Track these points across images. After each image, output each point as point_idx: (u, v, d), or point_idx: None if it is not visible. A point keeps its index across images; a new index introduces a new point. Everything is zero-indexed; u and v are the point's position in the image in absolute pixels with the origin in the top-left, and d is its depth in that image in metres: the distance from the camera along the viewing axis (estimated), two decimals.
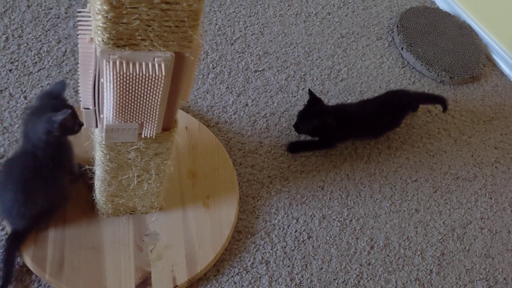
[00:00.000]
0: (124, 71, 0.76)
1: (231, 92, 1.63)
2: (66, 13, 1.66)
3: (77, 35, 0.80)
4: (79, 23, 0.80)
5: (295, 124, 1.52)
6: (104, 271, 1.17)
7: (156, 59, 0.78)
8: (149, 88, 0.81)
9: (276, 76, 1.72)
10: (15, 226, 1.14)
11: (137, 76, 0.78)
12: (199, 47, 0.82)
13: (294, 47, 1.83)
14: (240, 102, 1.62)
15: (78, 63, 1.52)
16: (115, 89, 0.79)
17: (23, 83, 1.45)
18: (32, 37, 1.56)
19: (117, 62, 0.76)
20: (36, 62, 1.51)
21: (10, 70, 1.47)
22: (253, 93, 1.66)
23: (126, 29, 0.72)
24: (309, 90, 1.51)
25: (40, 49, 1.54)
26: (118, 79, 0.77)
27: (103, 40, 0.73)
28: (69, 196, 1.21)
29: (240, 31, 1.82)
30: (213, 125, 1.55)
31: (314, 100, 1.50)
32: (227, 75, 1.67)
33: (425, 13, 2.09)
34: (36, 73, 1.48)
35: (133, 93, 0.81)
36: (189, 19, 0.73)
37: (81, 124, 1.08)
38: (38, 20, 1.61)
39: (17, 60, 1.50)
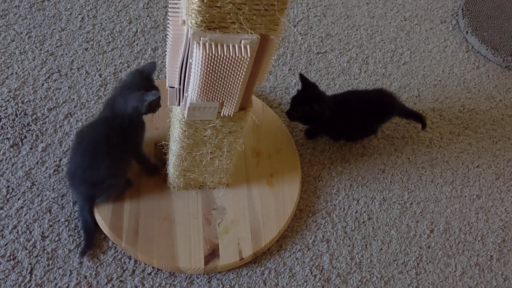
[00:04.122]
0: (213, 52, 0.80)
1: (293, 74, 1.66)
2: None
3: (168, 17, 0.85)
4: (170, 5, 0.85)
5: (287, 111, 1.43)
6: (175, 242, 1.24)
7: (243, 41, 0.81)
8: (233, 69, 0.85)
9: (338, 59, 1.73)
10: (77, 191, 1.21)
11: (224, 57, 0.82)
12: (282, 30, 0.85)
13: (357, 30, 1.83)
14: None
15: (147, 43, 1.59)
16: (202, 69, 0.83)
17: (98, 62, 1.53)
18: (106, 18, 1.63)
19: (207, 44, 0.80)
20: (109, 42, 1.58)
21: (86, 49, 1.55)
22: (315, 75, 1.68)
23: (219, 12, 0.76)
24: (300, 74, 1.41)
25: (113, 29, 1.61)
26: (207, 59, 0.81)
27: (196, 23, 0.77)
28: (131, 181, 1.27)
29: (303, 13, 1.83)
30: (276, 106, 1.58)
31: (306, 86, 1.40)
32: (289, 57, 1.70)
33: None
34: (109, 52, 1.56)
35: (218, 73, 0.85)
36: (278, 2, 0.76)
37: (160, 106, 1.15)
38: (111, 1, 1.68)
39: (92, 40, 1.57)
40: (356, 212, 1.42)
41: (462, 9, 1.95)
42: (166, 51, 1.58)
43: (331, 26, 1.82)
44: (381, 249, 1.38)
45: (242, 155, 1.42)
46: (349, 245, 1.36)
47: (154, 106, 1.11)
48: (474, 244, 1.44)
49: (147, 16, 1.67)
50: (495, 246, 1.45)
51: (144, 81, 1.12)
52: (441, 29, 1.93)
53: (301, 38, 1.75)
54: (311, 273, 1.29)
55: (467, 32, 1.90)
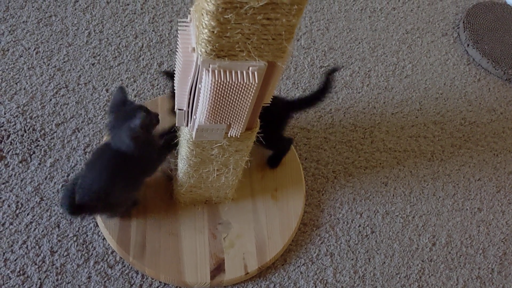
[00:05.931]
0: (222, 78, 0.83)
1: (297, 88, 1.68)
2: (141, 9, 1.74)
3: (178, 44, 0.87)
4: (179, 32, 0.87)
5: None
6: (181, 256, 1.26)
7: (250, 68, 0.84)
8: (241, 94, 0.87)
9: (341, 72, 1.76)
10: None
11: (233, 83, 0.84)
12: (289, 56, 0.87)
13: (359, 43, 1.86)
14: None
15: (153, 57, 1.61)
16: (211, 94, 0.85)
17: (105, 77, 1.55)
18: (112, 33, 1.66)
19: (216, 71, 0.82)
20: (116, 57, 1.60)
21: (93, 64, 1.57)
22: None
23: (228, 42, 0.78)
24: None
25: (119, 44, 1.64)
26: (215, 85, 0.83)
27: (206, 51, 0.80)
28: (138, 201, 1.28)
29: (306, 26, 1.86)
30: None
31: None
32: (293, 71, 1.72)
33: (493, 9, 2.06)
34: (116, 67, 1.58)
35: (227, 98, 0.87)
36: (286, 32, 0.78)
37: (156, 115, 1.10)
38: (117, 16, 1.70)
39: (99, 55, 1.60)
40: (359, 225, 1.44)
41: (463, 22, 1.97)
42: (172, 66, 1.60)
43: (333, 40, 1.84)
44: (384, 262, 1.40)
45: (247, 170, 1.44)
46: (352, 259, 1.38)
47: (150, 122, 1.06)
48: (475, 257, 1.46)
49: (153, 30, 1.69)
50: (496, 259, 1.47)
51: (125, 109, 1.07)
52: (442, 42, 1.96)
53: (304, 52, 1.78)
54: (315, 287, 1.31)
55: (468, 45, 1.93)
